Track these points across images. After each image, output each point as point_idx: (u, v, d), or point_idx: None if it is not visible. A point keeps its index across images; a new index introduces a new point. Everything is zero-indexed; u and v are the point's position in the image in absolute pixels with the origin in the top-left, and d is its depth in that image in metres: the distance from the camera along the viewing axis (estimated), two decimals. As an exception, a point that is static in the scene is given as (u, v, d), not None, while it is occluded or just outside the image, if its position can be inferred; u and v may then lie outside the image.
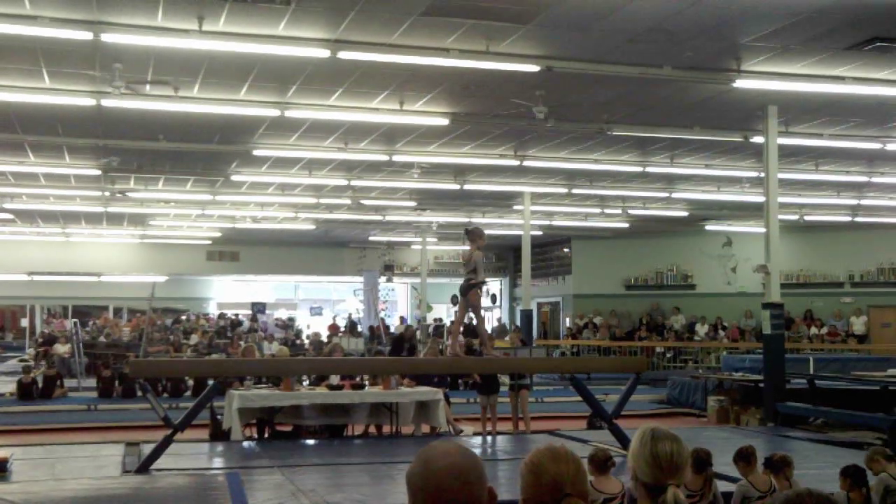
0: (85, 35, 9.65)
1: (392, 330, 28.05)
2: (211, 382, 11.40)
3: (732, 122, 14.54)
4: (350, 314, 31.37)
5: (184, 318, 29.33)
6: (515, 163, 17.14)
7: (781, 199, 15.76)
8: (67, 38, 9.82)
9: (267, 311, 32.22)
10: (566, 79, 11.71)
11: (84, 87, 12.15)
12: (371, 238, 29.93)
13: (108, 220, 25.41)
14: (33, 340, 27.22)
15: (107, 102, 12.34)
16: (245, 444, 11.52)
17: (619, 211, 24.13)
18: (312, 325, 31.44)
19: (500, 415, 13.50)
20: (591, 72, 11.38)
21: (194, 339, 24.59)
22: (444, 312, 32.45)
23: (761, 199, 14.85)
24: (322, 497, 7.54)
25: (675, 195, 21.39)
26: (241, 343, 19.94)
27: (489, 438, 12.69)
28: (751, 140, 15.05)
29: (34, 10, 9.29)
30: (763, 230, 14.30)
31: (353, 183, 19.50)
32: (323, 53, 10.29)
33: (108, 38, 9.73)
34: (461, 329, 12.35)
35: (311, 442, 12.02)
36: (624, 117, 14.27)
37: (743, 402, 15.61)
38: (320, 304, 35.97)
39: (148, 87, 11.92)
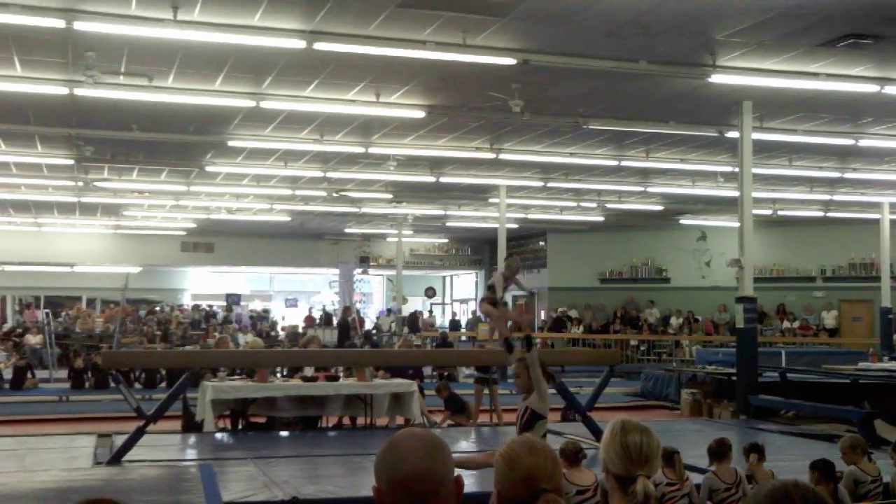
0: (57, 23, 9.53)
1: (367, 322, 28.01)
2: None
3: (707, 118, 14.60)
4: (325, 306, 31.27)
5: (158, 309, 29.16)
6: (491, 156, 17.14)
7: (755, 194, 15.88)
8: (39, 26, 9.69)
9: (242, 303, 32.05)
10: (542, 72, 11.72)
11: (56, 75, 12.02)
12: (347, 230, 29.87)
13: (81, 210, 25.19)
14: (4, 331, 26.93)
15: (80, 91, 12.21)
16: (218, 435, 11.49)
17: (594, 205, 24.24)
18: (287, 317, 31.33)
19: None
20: (567, 65, 11.39)
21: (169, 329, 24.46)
22: (420, 305, 32.47)
23: (735, 193, 14.96)
24: (295, 488, 7.53)
25: (650, 189, 21.48)
26: (216, 334, 19.86)
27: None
28: (725, 135, 15.12)
29: (6, -3, 9.19)
30: (737, 225, 14.40)
31: (329, 175, 19.44)
32: (299, 44, 10.24)
33: (80, 26, 9.61)
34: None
35: (284, 433, 11.99)
36: (600, 111, 14.31)
37: (716, 395, 15.72)
38: (296, 295, 35.86)
39: (122, 77, 11.81)
